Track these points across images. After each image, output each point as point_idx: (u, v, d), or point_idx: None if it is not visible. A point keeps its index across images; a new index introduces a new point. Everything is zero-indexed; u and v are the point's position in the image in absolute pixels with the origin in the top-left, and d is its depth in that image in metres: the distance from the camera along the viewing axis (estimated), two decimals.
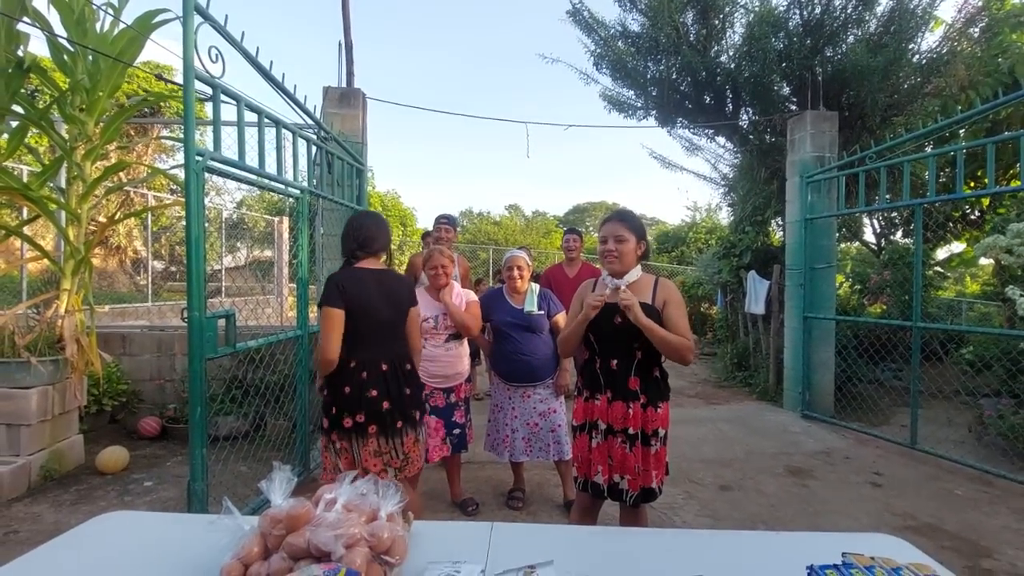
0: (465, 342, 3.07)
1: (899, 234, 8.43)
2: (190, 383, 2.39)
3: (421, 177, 73.18)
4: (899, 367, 6.03)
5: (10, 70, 3.36)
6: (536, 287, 3.05)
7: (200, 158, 2.38)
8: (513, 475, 3.33)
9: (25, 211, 5.08)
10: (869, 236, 8.99)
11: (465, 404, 3.09)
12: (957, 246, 8.70)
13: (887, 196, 4.60)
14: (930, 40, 6.23)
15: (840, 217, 5.84)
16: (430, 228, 4.56)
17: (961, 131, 6.30)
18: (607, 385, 2.06)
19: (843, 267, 10.05)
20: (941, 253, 9.01)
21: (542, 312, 2.98)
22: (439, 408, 2.96)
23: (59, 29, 3.57)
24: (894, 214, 8.09)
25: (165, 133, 10.41)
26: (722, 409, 5.81)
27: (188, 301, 2.35)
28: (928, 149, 6.01)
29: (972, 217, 7.80)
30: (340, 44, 4.85)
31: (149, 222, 9.05)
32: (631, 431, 2.02)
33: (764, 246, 7.01)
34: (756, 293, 6.63)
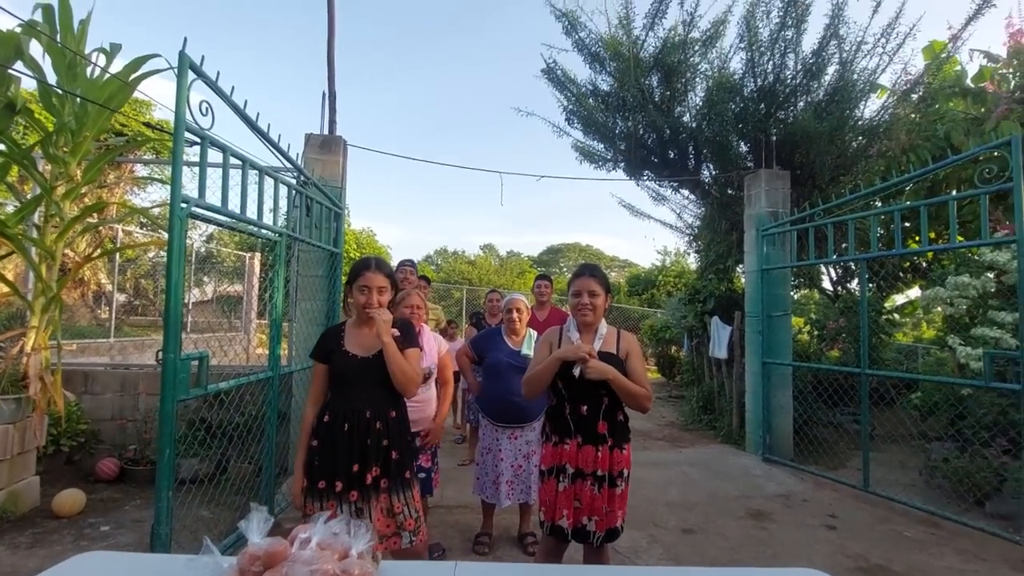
0: (431, 388, 2.99)
1: (854, 283, 8.93)
2: (160, 424, 2.41)
3: (395, 215, 73.75)
4: (856, 411, 6.30)
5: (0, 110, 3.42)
6: (534, 333, 3.20)
7: (185, 204, 2.48)
8: (482, 518, 3.36)
9: None
10: (827, 284, 9.48)
11: (432, 448, 3.04)
12: (914, 292, 9.20)
13: (834, 251, 4.95)
14: (874, 106, 6.82)
15: (797, 267, 6.20)
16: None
17: (907, 189, 6.85)
18: (577, 430, 2.17)
19: (807, 312, 10.52)
20: (901, 299, 9.53)
21: None
22: None
23: (50, 73, 3.68)
24: (851, 264, 8.60)
25: (140, 169, 10.40)
26: (688, 452, 5.94)
27: (164, 343, 2.40)
28: (878, 204, 6.50)
29: (922, 267, 8.31)
30: (324, 94, 5.06)
31: (116, 257, 8.92)
32: (599, 473, 2.13)
33: (727, 292, 7.34)
34: (719, 338, 6.89)
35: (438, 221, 77.83)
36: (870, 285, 8.47)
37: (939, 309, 6.10)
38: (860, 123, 6.39)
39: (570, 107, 7.38)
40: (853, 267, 8.63)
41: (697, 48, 6.77)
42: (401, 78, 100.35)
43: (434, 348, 3.03)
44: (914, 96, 6.69)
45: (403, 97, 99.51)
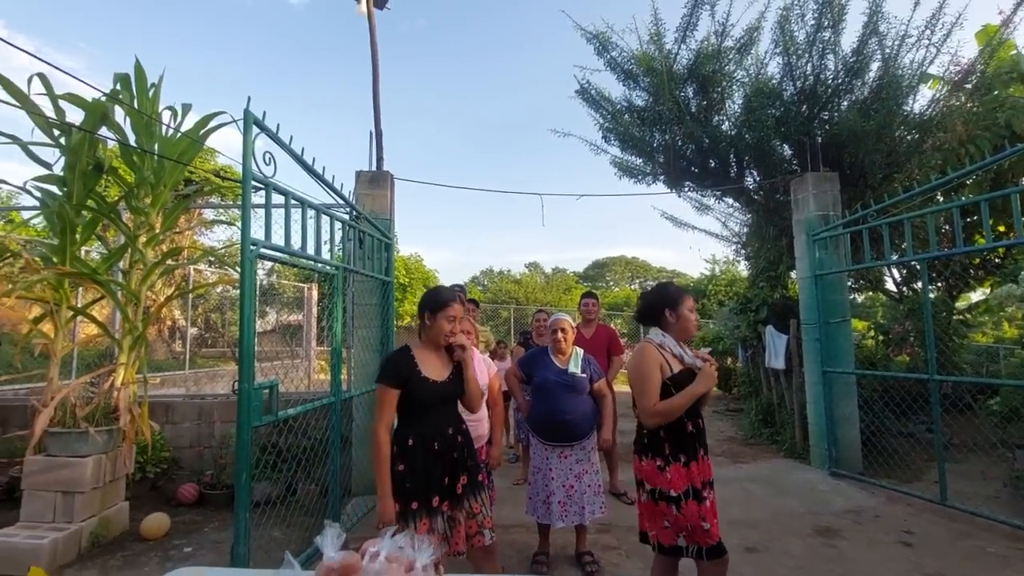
0: (483, 407, 3.04)
1: (920, 283, 8.44)
2: (237, 450, 2.61)
3: (441, 239, 75.36)
4: (929, 419, 5.92)
5: (88, 170, 3.85)
6: (580, 351, 3.27)
7: (254, 247, 2.72)
8: (539, 538, 3.40)
9: (81, 292, 5.57)
10: (891, 285, 9.00)
11: (486, 467, 3.14)
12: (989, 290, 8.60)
13: (893, 252, 4.75)
14: (924, 99, 6.56)
15: (852, 271, 5.96)
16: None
17: (968, 182, 6.49)
18: (700, 443, 2.24)
19: (873, 315, 9.99)
20: (977, 296, 8.91)
21: (585, 375, 3.17)
22: None
23: (129, 133, 4.11)
24: (914, 263, 8.15)
25: (207, 212, 11.21)
26: (748, 467, 5.76)
27: (239, 374, 2.62)
28: (940, 199, 6.18)
29: (995, 263, 7.77)
30: (371, 133, 5.37)
31: (190, 296, 9.61)
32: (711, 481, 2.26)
33: (781, 300, 7.11)
34: (775, 348, 6.67)
35: (482, 242, 79.03)
36: (938, 284, 8.01)
37: (1012, 308, 5.71)
38: (911, 117, 6.14)
39: (606, 125, 7.45)
40: (917, 266, 8.21)
41: (731, 56, 6.73)
42: (441, 107, 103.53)
43: (483, 370, 3.10)
44: (968, 85, 6.37)
45: (443, 125, 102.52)
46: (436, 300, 2.31)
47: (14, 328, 5.45)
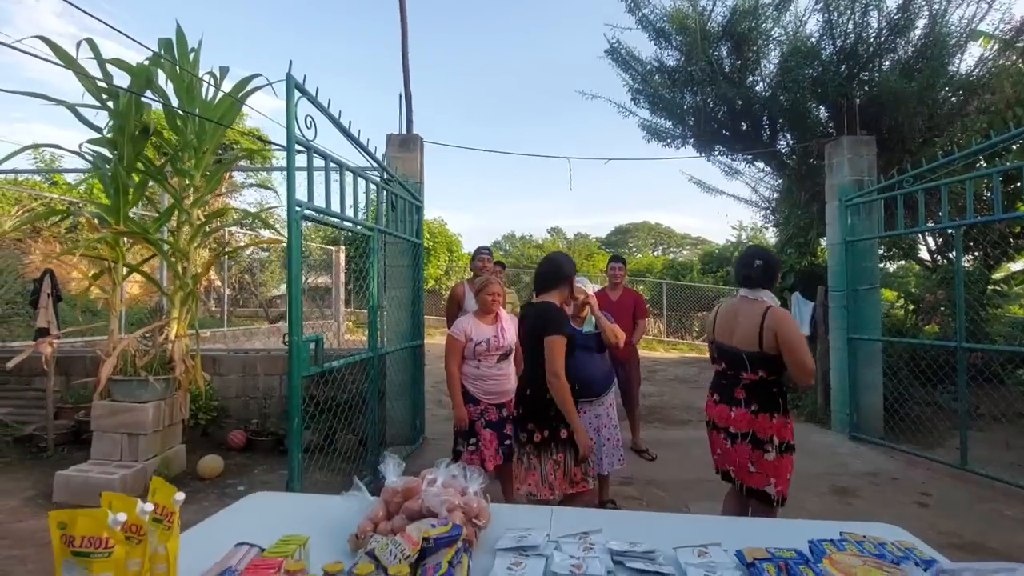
0: (511, 362, 3.27)
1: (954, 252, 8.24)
2: (289, 397, 2.83)
3: (464, 203, 75.15)
4: (956, 389, 5.91)
5: (136, 134, 4.02)
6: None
7: (299, 208, 2.86)
8: None
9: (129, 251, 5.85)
10: (925, 254, 8.80)
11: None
12: None
13: (927, 219, 4.68)
14: (972, 59, 6.26)
15: (884, 238, 5.87)
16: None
17: (1014, 147, 6.24)
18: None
19: (906, 285, 9.80)
20: (1017, 267, 8.64)
21: (599, 331, 3.21)
22: (492, 422, 3.19)
23: (172, 98, 4.25)
24: (950, 232, 7.93)
25: (236, 174, 11.44)
26: None
27: (289, 327, 2.80)
28: (983, 165, 5.97)
29: None
30: (400, 96, 5.41)
31: (226, 256, 9.95)
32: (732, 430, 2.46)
33: (809, 267, 7.06)
34: (801, 314, 6.67)
35: (505, 206, 78.66)
36: (974, 254, 7.81)
37: None
38: (956, 78, 5.90)
39: (636, 86, 7.32)
40: (951, 235, 7.97)
41: (769, 13, 6.49)
42: (469, 69, 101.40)
43: (512, 327, 3.25)
44: (1020, 43, 6.06)
45: (470, 86, 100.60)
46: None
47: (65, 286, 5.80)
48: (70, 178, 9.70)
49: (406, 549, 1.12)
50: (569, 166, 6.74)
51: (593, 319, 3.22)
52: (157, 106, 4.32)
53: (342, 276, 12.37)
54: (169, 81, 4.23)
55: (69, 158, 8.82)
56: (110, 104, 4.11)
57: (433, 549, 1.17)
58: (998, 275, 8.19)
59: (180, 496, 1.17)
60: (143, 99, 4.15)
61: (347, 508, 1.44)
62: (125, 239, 4.10)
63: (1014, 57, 6.13)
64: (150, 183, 4.61)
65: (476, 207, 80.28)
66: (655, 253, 35.31)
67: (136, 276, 5.65)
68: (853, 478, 4.30)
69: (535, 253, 25.48)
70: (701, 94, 6.85)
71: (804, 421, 6.24)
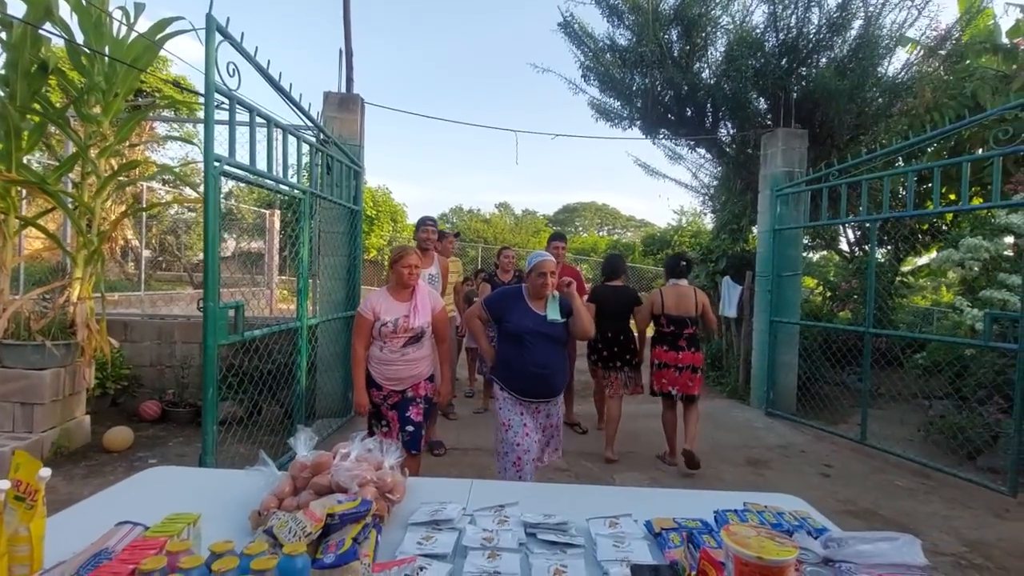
0: (425, 346, 2.83)
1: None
2: (204, 366, 2.65)
3: (410, 173, 73.31)
4: (862, 371, 6.41)
5: (32, 71, 3.58)
6: (557, 294, 2.75)
7: (218, 163, 2.64)
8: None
9: (25, 204, 5.29)
10: (845, 245, 9.41)
11: (425, 402, 2.82)
12: (934, 255, 9.05)
13: (849, 212, 4.97)
14: (898, 63, 6.64)
15: (813, 228, 6.20)
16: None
17: (929, 149, 6.71)
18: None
19: (826, 274, 10.48)
20: (923, 261, 9.39)
21: (564, 320, 2.71)
22: (396, 403, 2.80)
23: (77, 33, 3.79)
24: (867, 225, 8.49)
25: (159, 127, 10.53)
26: None
27: (204, 292, 2.61)
28: (901, 164, 6.38)
29: (943, 229, 8.17)
30: (340, 51, 5.10)
31: (144, 215, 9.20)
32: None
33: (740, 252, 7.38)
34: (730, 297, 6.99)
35: (453, 179, 77.43)
36: (887, 247, 8.43)
37: (952, 273, 6.11)
38: (883, 80, 6.24)
39: (587, 63, 7.28)
40: (868, 228, 8.55)
41: (718, 1, 6.59)
42: (415, 31, 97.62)
43: (427, 305, 2.81)
44: (942, 52, 6.47)
45: (418, 52, 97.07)
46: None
47: None
48: None
49: (307, 526, 1.06)
50: (516, 139, 6.62)
51: (556, 304, 2.71)
52: (60, 42, 3.87)
53: (276, 241, 11.77)
54: (73, 13, 3.77)
55: None
56: (2, 35, 3.62)
57: (338, 526, 1.12)
58: (906, 268, 8.91)
59: (46, 472, 1.04)
60: (41, 32, 3.68)
61: (252, 483, 1.36)
62: (18, 189, 3.67)
63: (936, 64, 6.55)
64: (53, 130, 4.15)
65: (423, 179, 78.57)
66: (600, 233, 35.97)
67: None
68: (766, 450, 4.59)
69: (482, 227, 25.30)
70: (650, 76, 6.90)
71: (726, 397, 6.59)
